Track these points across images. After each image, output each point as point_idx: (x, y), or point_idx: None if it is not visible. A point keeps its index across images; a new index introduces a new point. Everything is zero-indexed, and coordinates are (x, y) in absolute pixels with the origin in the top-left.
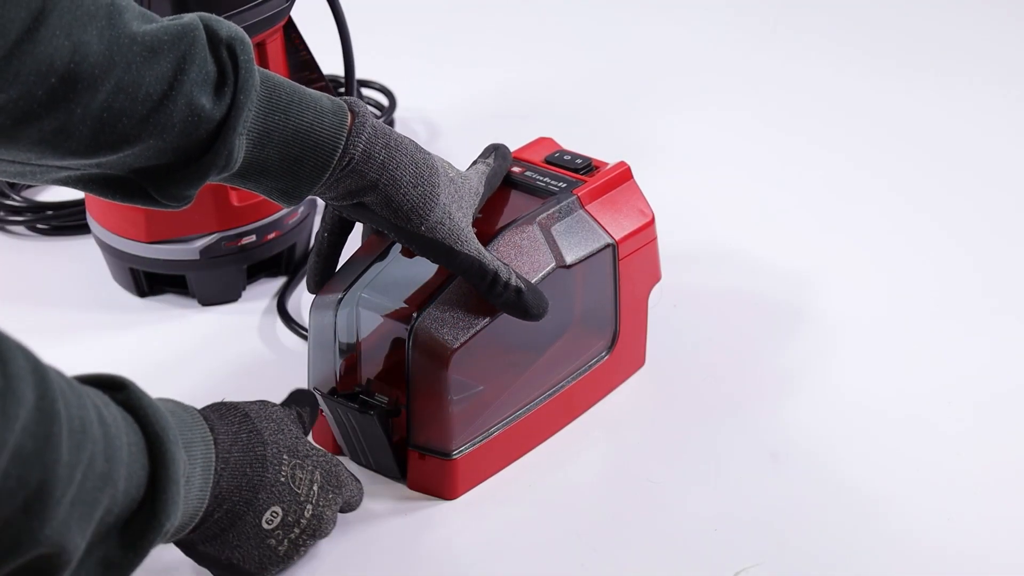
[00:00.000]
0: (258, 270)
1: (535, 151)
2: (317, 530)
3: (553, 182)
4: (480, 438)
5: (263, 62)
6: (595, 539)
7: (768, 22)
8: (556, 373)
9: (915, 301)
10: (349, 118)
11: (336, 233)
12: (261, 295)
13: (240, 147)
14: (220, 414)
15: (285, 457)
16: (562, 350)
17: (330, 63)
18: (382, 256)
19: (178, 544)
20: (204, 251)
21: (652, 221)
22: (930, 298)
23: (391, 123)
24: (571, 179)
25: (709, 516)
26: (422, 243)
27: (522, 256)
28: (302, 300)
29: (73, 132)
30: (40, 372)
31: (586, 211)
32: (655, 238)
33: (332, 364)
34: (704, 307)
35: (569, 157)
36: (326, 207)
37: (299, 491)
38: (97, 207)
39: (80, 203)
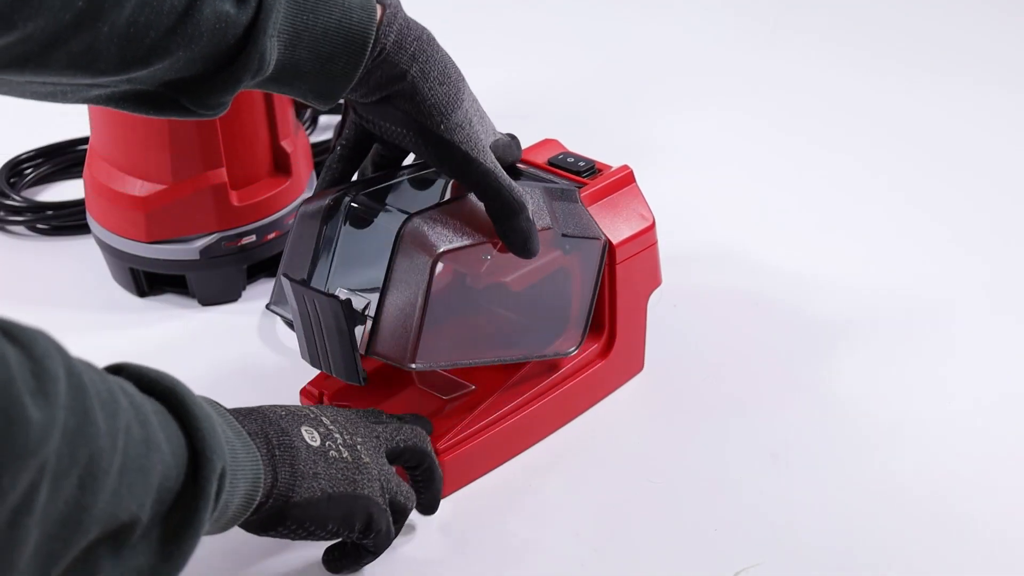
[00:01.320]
0: (258, 270)
1: (539, 152)
2: (353, 430)
3: (555, 181)
4: (465, 436)
5: None
6: (595, 539)
7: (768, 22)
8: (524, 351)
9: (916, 301)
10: (379, 11)
11: (351, 147)
12: (261, 295)
13: (272, 49)
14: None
15: (297, 417)
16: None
17: None
18: (389, 178)
19: (276, 519)
20: (204, 251)
21: (652, 226)
22: (931, 298)
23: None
24: (573, 181)
25: (709, 516)
26: (439, 147)
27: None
28: None
29: (101, 51)
30: (61, 349)
31: (586, 209)
32: (655, 243)
33: (308, 257)
34: (704, 307)
35: (572, 159)
36: (347, 118)
37: (311, 414)
38: (97, 207)
39: (80, 203)
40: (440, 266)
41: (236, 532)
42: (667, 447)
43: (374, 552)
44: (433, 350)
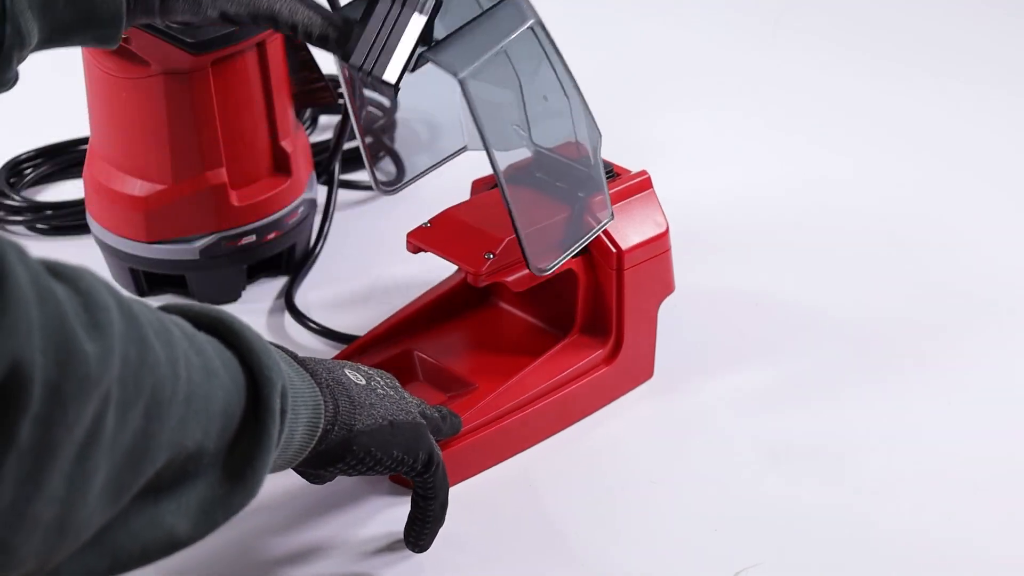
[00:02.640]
0: (258, 270)
1: None
2: (389, 379)
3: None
4: (460, 433)
5: (263, 62)
6: (595, 539)
7: (770, 22)
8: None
9: (917, 302)
10: None
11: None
12: (261, 295)
13: (29, 20)
14: None
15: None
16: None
17: (330, 63)
18: None
19: (337, 448)
20: (204, 251)
21: (665, 233)
22: (933, 299)
23: (391, 123)
24: None
25: (709, 516)
26: None
27: (542, 195)
28: (308, 298)
29: None
30: (107, 283)
31: None
32: (668, 249)
33: None
34: (705, 307)
35: None
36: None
37: (345, 362)
38: (97, 207)
39: (80, 203)
40: None
41: (249, 533)
42: (667, 447)
43: (438, 502)
44: None
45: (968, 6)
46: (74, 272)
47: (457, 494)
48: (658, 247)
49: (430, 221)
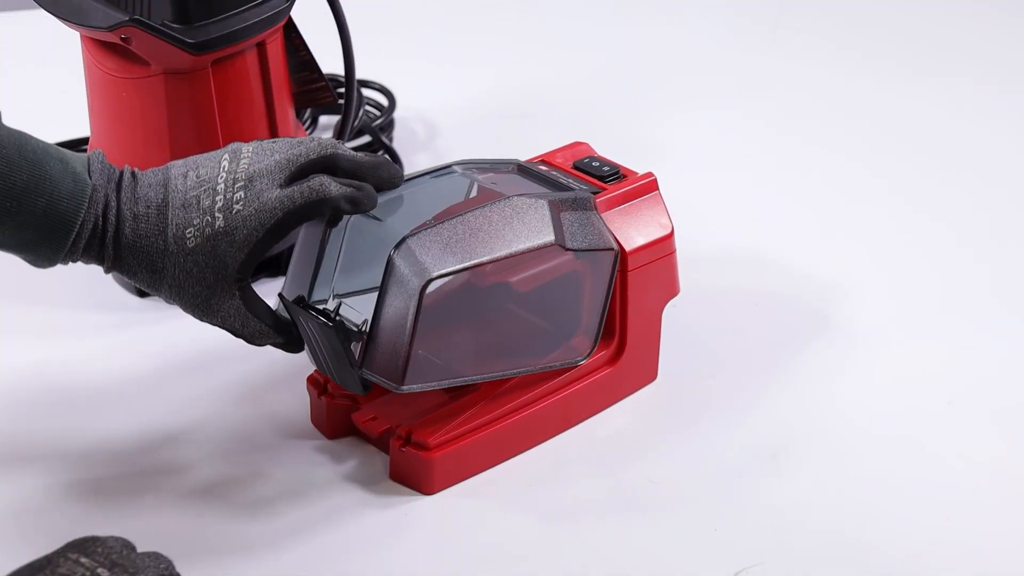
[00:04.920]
0: (258, 270)
1: (565, 155)
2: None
3: (575, 185)
4: (460, 433)
5: (263, 62)
6: (595, 539)
7: (769, 23)
8: (530, 362)
9: (919, 303)
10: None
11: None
12: (261, 295)
13: None
14: None
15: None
16: (542, 340)
17: (330, 63)
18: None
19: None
20: None
21: (670, 235)
22: (934, 300)
23: (391, 123)
24: (593, 186)
25: (709, 516)
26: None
27: (524, 221)
28: None
29: None
30: None
31: (600, 216)
32: (673, 252)
33: (308, 275)
34: (705, 308)
35: (598, 164)
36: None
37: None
38: None
39: None
40: (432, 288)
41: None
42: (667, 447)
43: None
44: (428, 370)
45: (968, 6)
46: None
47: (458, 494)
48: (663, 249)
49: (431, 220)
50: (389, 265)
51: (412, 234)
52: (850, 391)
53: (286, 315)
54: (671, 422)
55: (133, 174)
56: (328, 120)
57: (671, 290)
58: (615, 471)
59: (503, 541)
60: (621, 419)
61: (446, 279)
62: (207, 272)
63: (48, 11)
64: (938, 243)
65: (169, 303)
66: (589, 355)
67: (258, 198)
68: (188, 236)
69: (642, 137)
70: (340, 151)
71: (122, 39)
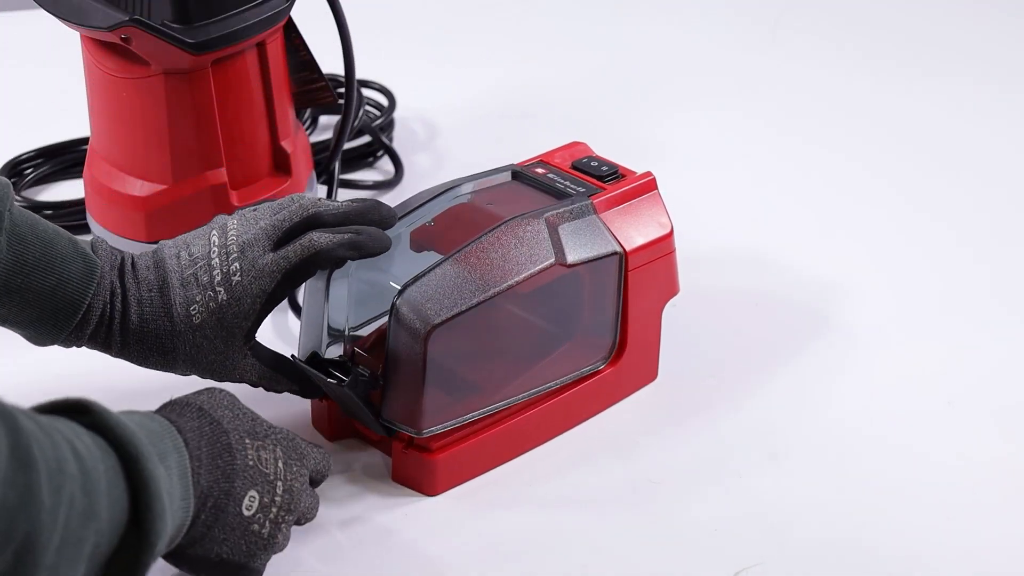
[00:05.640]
0: None
1: (564, 155)
2: (291, 504)
3: (572, 186)
4: (462, 435)
5: (263, 62)
6: (595, 539)
7: (769, 23)
8: (548, 377)
9: (919, 303)
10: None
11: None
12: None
13: None
14: (179, 413)
15: (247, 440)
16: (557, 355)
17: (330, 63)
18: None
19: (165, 557)
20: None
21: (670, 234)
22: (934, 300)
23: (391, 123)
24: (592, 186)
25: (709, 516)
26: None
27: (521, 247)
28: None
29: None
30: (8, 418)
31: (600, 218)
32: (672, 251)
33: (319, 331)
34: (705, 308)
35: (596, 164)
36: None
37: (267, 470)
38: (97, 207)
39: (80, 203)
40: (437, 332)
41: None
42: (667, 447)
43: None
44: (448, 409)
45: (968, 6)
46: None
47: (460, 495)
48: (662, 248)
49: (433, 219)
50: (393, 313)
51: (413, 280)
52: (850, 391)
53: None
54: (671, 422)
55: (132, 259)
56: (328, 120)
57: (671, 290)
58: (615, 471)
59: (505, 541)
60: (621, 419)
61: (448, 323)
62: (217, 342)
63: (48, 11)
64: (938, 243)
65: (185, 375)
66: (609, 358)
67: (253, 266)
68: (194, 313)
69: (642, 137)
70: (322, 208)
71: (122, 39)
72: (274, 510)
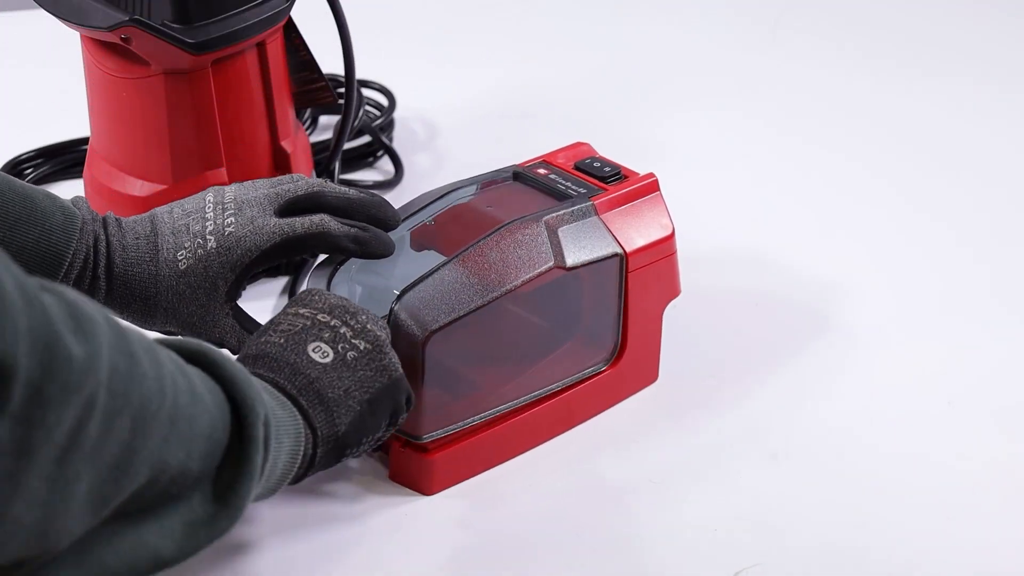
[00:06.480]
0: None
1: (567, 156)
2: (354, 312)
3: (573, 187)
4: (460, 434)
5: (263, 62)
6: (595, 539)
7: (769, 22)
8: (549, 379)
9: (919, 303)
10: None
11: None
12: (261, 295)
13: None
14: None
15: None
16: (559, 356)
17: (330, 63)
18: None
19: (332, 458)
20: None
21: (671, 236)
22: (934, 300)
23: (391, 123)
24: (593, 187)
25: (709, 516)
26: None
27: (520, 250)
28: None
29: None
30: (94, 300)
31: (600, 219)
32: (674, 252)
33: None
34: (705, 308)
35: (599, 164)
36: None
37: (304, 323)
38: (97, 207)
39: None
40: (435, 337)
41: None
42: (668, 447)
43: None
44: (449, 414)
45: (968, 6)
46: (59, 286)
47: (458, 494)
48: (664, 250)
49: (434, 219)
50: (391, 319)
51: (411, 286)
52: (850, 391)
53: None
54: (671, 422)
55: (116, 218)
56: (328, 120)
57: (672, 291)
58: (615, 471)
59: (503, 541)
60: (621, 419)
61: (445, 329)
62: (199, 293)
63: (48, 11)
64: (938, 243)
65: (164, 329)
66: (609, 360)
67: (251, 222)
68: (180, 258)
69: (642, 137)
70: (327, 188)
71: (122, 39)
72: (345, 329)
